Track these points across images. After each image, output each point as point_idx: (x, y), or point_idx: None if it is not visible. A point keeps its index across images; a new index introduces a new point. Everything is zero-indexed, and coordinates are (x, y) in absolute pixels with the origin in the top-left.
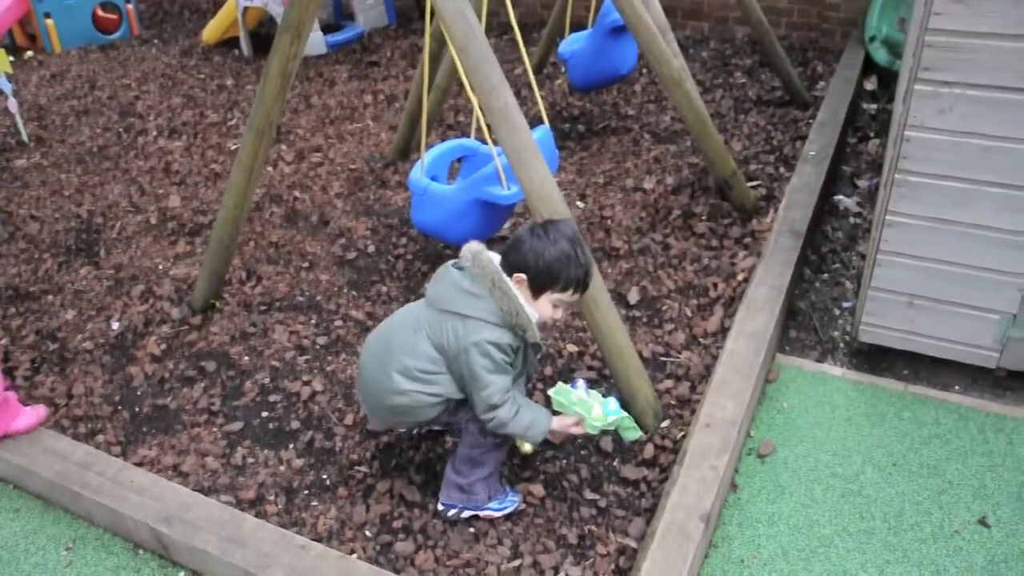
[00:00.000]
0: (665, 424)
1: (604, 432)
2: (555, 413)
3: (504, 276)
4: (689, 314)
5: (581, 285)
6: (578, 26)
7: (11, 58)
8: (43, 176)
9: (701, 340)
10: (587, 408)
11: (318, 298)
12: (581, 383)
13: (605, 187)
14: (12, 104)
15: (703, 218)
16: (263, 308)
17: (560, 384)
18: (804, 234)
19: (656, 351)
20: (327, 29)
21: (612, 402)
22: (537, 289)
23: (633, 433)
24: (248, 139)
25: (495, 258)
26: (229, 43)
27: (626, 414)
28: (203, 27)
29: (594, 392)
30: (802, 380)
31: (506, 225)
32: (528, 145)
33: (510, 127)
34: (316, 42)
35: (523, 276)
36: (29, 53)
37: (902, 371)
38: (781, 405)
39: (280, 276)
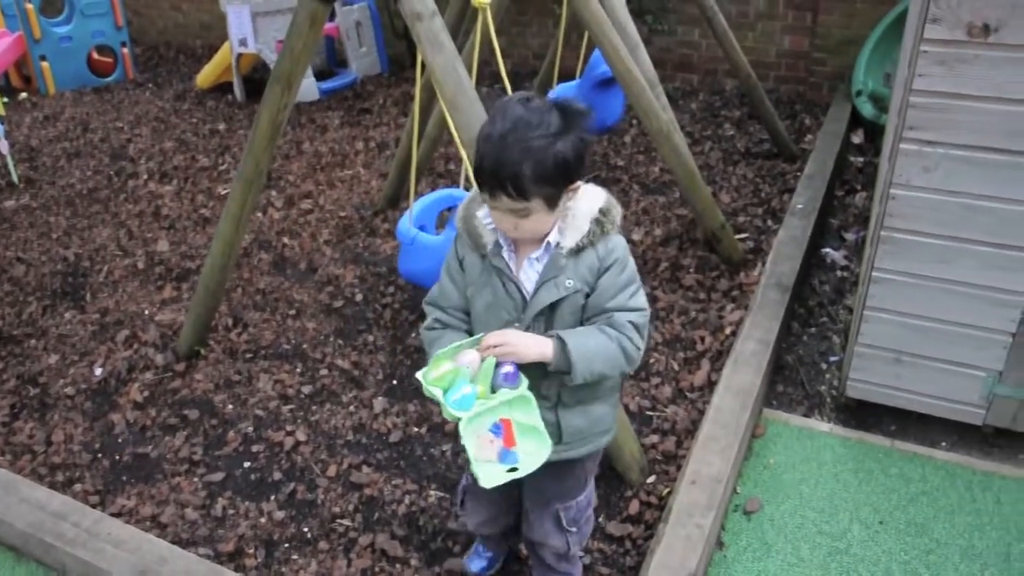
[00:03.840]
0: (651, 480)
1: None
2: None
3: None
4: (676, 367)
5: (487, 184)
6: (567, 76)
7: (4, 99)
8: (31, 218)
9: (688, 394)
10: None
11: (304, 346)
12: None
13: None
14: (3, 145)
15: (691, 270)
16: (248, 356)
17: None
18: (792, 287)
19: (642, 405)
20: (320, 75)
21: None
22: None
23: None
24: (237, 188)
25: None
26: (223, 88)
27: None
28: (197, 71)
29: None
30: (789, 435)
31: None
32: None
33: None
34: (309, 88)
35: None
36: (23, 94)
37: (889, 427)
38: (768, 461)
39: (266, 323)
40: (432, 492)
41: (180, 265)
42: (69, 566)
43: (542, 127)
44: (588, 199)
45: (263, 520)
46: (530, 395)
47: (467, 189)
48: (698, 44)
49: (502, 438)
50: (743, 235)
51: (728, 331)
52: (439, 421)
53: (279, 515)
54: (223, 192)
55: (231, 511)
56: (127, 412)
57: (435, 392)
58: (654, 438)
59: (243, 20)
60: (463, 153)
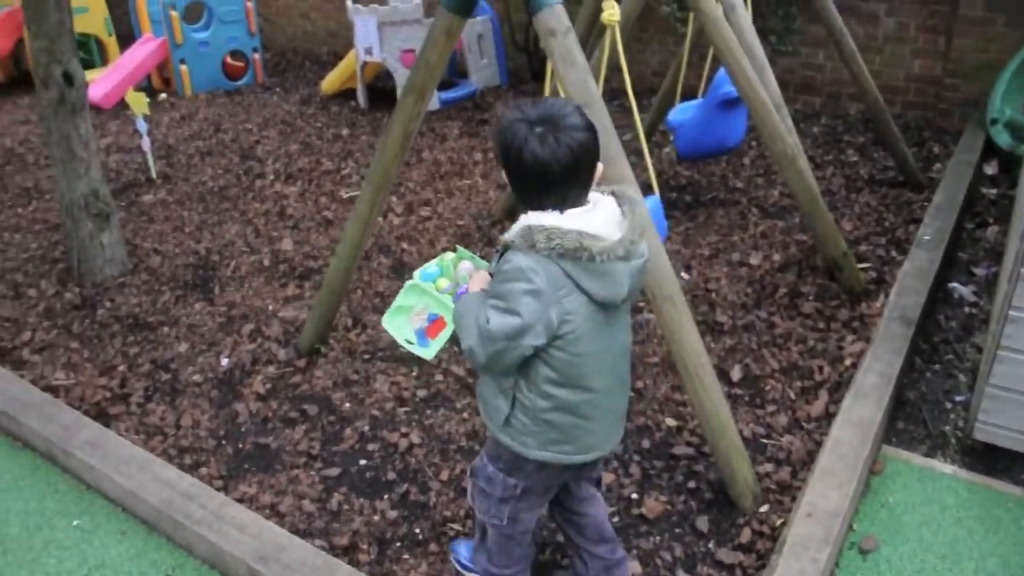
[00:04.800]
0: (764, 509)
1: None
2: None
3: None
4: (793, 396)
5: None
6: (689, 95)
7: (147, 100)
8: (167, 212)
9: (804, 424)
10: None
11: None
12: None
13: (711, 259)
14: (146, 143)
15: (810, 298)
16: (366, 357)
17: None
18: (916, 321)
19: (757, 432)
20: (441, 85)
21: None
22: None
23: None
24: (366, 193)
25: None
26: (346, 94)
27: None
28: (322, 77)
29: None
30: (909, 475)
31: None
32: None
33: None
34: None
35: None
36: (163, 95)
37: (1020, 475)
38: (886, 499)
39: None
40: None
41: (303, 264)
42: (195, 545)
43: (526, 118)
44: (546, 216)
45: (376, 518)
46: None
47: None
48: (822, 66)
49: (429, 326)
50: (865, 265)
51: (848, 362)
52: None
53: (392, 514)
54: (345, 196)
55: (346, 506)
56: (250, 403)
57: (430, 263)
58: (768, 467)
59: (369, 30)
60: None
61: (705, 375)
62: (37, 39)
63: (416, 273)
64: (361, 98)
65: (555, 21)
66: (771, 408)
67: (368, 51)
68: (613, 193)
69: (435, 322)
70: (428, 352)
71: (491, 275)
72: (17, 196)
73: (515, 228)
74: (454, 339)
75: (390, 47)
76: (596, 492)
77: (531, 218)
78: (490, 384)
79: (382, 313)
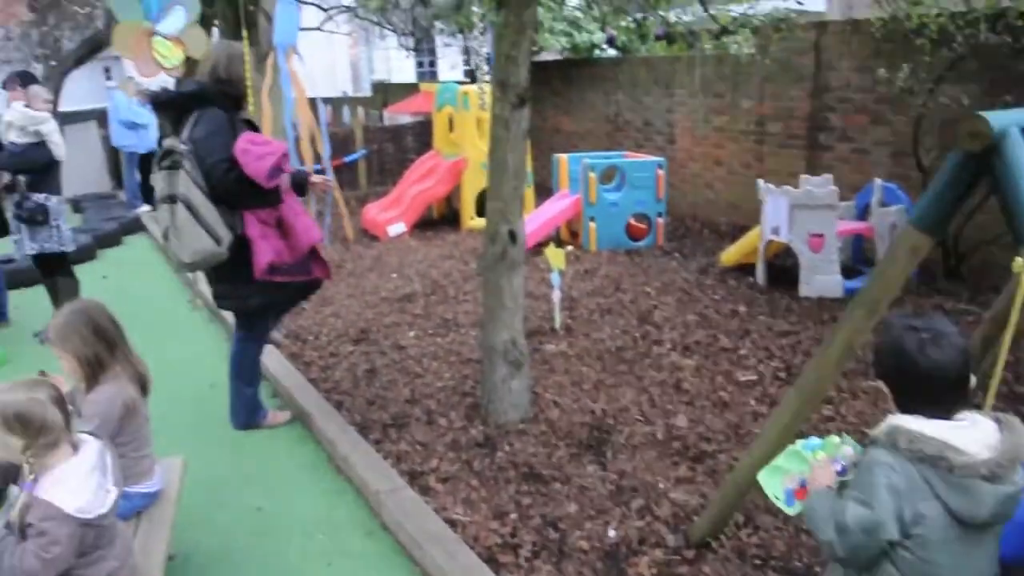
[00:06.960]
0: None
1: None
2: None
3: None
4: None
5: None
6: None
7: (564, 254)
8: (567, 365)
9: None
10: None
11: (816, 568)
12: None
13: None
14: (556, 295)
15: None
16: (757, 562)
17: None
18: None
19: None
20: (845, 272)
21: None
22: None
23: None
24: (792, 401)
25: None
26: (744, 268)
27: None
28: (720, 247)
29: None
30: None
31: None
32: None
33: None
34: (833, 284)
35: None
36: (569, 247)
37: None
38: None
39: (779, 531)
40: None
41: (696, 446)
42: None
43: (915, 326)
44: (912, 420)
45: None
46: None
47: None
48: None
49: (799, 489)
50: None
51: None
52: None
53: None
54: (742, 378)
55: None
56: None
57: (815, 438)
58: None
59: (780, 210)
60: None
61: None
62: (493, 200)
63: (799, 442)
64: (760, 275)
65: None
66: None
67: (775, 231)
68: (997, 419)
69: (805, 487)
70: (793, 510)
71: (843, 468)
72: (438, 326)
73: (883, 426)
74: None
75: (799, 230)
76: None
77: (898, 419)
78: (838, 571)
79: (775, 515)
